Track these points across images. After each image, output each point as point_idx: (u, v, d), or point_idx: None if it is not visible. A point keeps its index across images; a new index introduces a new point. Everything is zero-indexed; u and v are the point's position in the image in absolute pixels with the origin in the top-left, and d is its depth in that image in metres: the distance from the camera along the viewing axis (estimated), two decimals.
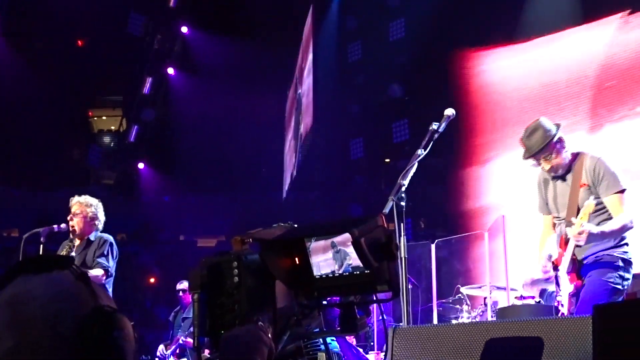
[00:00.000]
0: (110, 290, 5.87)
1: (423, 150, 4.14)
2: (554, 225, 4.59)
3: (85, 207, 5.96)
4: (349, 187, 16.70)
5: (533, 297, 6.14)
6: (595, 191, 4.31)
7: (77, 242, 5.98)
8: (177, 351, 9.45)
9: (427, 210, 13.78)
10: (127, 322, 1.25)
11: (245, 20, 17.01)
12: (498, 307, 6.92)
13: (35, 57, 17.15)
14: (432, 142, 4.17)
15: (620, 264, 4.29)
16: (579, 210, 4.25)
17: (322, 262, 1.99)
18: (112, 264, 5.93)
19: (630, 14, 8.71)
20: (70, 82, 17.75)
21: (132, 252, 16.19)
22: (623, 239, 4.34)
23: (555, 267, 4.40)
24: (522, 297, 6.33)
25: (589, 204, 4.15)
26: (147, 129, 18.47)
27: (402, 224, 3.93)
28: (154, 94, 18.18)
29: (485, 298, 7.26)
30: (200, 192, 18.43)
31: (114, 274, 5.97)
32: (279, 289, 2.06)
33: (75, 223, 5.92)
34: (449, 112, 4.24)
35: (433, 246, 8.10)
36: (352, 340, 6.38)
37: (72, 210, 5.97)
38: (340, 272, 1.97)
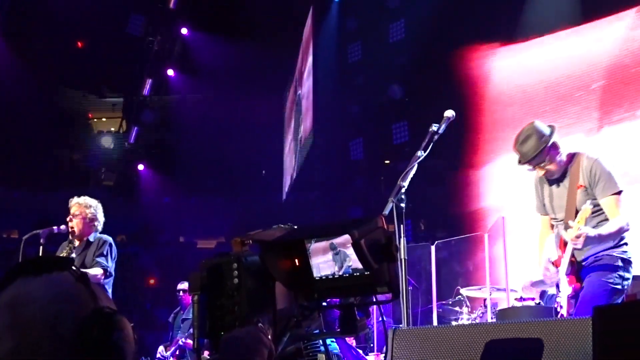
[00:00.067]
0: (109, 291, 5.87)
1: (423, 151, 4.14)
2: (552, 225, 4.58)
3: (85, 208, 5.96)
4: (349, 189, 16.70)
5: (533, 299, 6.14)
6: (591, 192, 4.30)
7: (76, 243, 5.98)
8: (177, 352, 9.45)
9: (427, 212, 13.77)
10: (126, 324, 1.25)
11: (245, 21, 17.01)
12: (498, 308, 6.92)
13: (35, 58, 17.14)
14: (432, 144, 4.17)
15: (620, 263, 4.28)
16: (577, 212, 4.24)
17: (322, 264, 1.99)
18: (111, 264, 5.93)
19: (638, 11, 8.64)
20: (70, 83, 17.77)
21: (132, 253, 16.19)
22: (622, 238, 4.32)
23: (556, 268, 4.39)
24: (522, 299, 6.33)
25: (586, 209, 4.13)
26: (147, 130, 18.47)
27: (402, 226, 3.93)
28: (153, 96, 18.19)
29: (485, 299, 7.26)
30: (200, 194, 18.43)
31: (113, 274, 5.97)
32: (278, 290, 2.06)
33: (75, 224, 5.92)
34: (449, 113, 4.24)
35: (433, 248, 8.10)
36: (351, 341, 6.38)
37: (72, 211, 5.96)
38: (340, 273, 1.97)
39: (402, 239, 3.94)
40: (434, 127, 4.19)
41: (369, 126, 15.28)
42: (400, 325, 3.92)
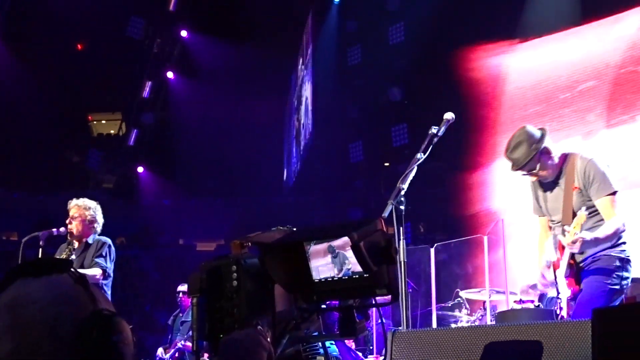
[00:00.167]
0: (108, 292, 5.88)
1: (422, 154, 4.14)
2: (551, 227, 4.58)
3: (84, 210, 5.96)
4: (349, 191, 16.71)
5: (532, 302, 6.14)
6: (586, 194, 4.29)
7: (75, 244, 5.98)
8: (176, 355, 9.45)
9: (427, 214, 13.78)
10: (125, 326, 1.25)
11: (244, 23, 17.03)
12: (497, 311, 6.91)
13: (35, 61, 17.16)
14: (431, 146, 4.17)
15: (618, 263, 4.26)
16: (574, 213, 4.24)
17: (322, 266, 1.99)
18: (110, 265, 5.93)
19: None
20: (69, 85, 17.78)
21: (132, 255, 16.19)
22: (620, 238, 4.31)
23: (554, 270, 4.39)
24: (521, 301, 6.32)
25: (581, 215, 4.12)
26: (146, 132, 18.49)
27: (401, 228, 3.92)
28: (153, 98, 18.20)
29: (484, 302, 7.25)
30: (199, 196, 18.43)
31: (112, 276, 5.98)
32: (278, 292, 2.06)
33: (74, 226, 5.92)
34: (449, 115, 4.24)
35: (432, 250, 8.08)
36: (351, 344, 6.37)
37: (71, 213, 5.97)
38: (340, 276, 1.97)
39: (401, 242, 3.94)
40: (434, 130, 4.19)
41: (368, 128, 15.30)
42: (400, 328, 3.92)
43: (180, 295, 9.69)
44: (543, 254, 4.57)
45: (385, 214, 3.90)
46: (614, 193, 4.27)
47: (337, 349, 4.55)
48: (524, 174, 4.45)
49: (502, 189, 9.37)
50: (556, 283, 4.39)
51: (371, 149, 15.16)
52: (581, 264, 4.33)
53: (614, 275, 4.23)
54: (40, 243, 6.00)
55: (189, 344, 8.64)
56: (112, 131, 22.13)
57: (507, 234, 7.31)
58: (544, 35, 9.75)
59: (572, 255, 4.29)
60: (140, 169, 18.16)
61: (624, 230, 4.29)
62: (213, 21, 17.47)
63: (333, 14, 15.36)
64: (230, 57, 16.99)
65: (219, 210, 17.83)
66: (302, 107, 16.56)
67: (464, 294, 7.63)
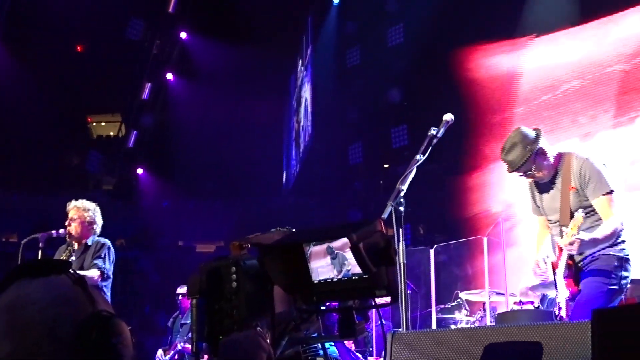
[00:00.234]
0: (108, 294, 5.87)
1: (422, 155, 4.13)
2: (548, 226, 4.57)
3: (83, 211, 5.96)
4: (348, 192, 16.70)
5: (532, 303, 6.14)
6: (583, 194, 4.28)
7: (75, 246, 5.97)
8: (176, 357, 9.43)
9: (426, 216, 13.77)
10: (124, 327, 1.25)
11: (244, 25, 17.02)
12: (497, 312, 6.91)
13: (35, 62, 17.16)
14: (430, 147, 4.16)
15: (617, 263, 4.24)
16: (571, 213, 4.23)
17: (321, 267, 1.98)
18: (109, 267, 5.92)
19: None
20: (69, 87, 17.78)
21: (131, 257, 16.18)
22: (619, 237, 4.30)
23: (554, 270, 4.38)
24: (521, 303, 6.32)
25: (578, 218, 4.11)
26: (146, 134, 18.49)
27: (400, 229, 3.92)
28: (152, 100, 18.21)
29: (484, 303, 7.25)
30: (199, 197, 18.42)
31: (111, 277, 5.97)
32: (277, 293, 2.05)
33: (73, 228, 5.92)
34: (448, 117, 4.24)
35: (432, 251, 8.08)
36: (350, 345, 6.37)
37: (70, 215, 5.96)
38: (339, 277, 1.97)
39: (401, 243, 3.94)
40: (433, 131, 4.19)
41: (368, 130, 15.29)
42: (399, 329, 3.92)
43: (180, 297, 9.68)
44: (541, 246, 4.56)
45: (385, 215, 3.90)
46: (611, 192, 4.26)
47: (336, 350, 4.54)
48: (520, 176, 4.45)
49: (502, 191, 9.37)
50: (555, 284, 4.39)
51: (371, 150, 15.16)
52: (580, 264, 4.33)
53: (613, 276, 4.22)
54: (40, 244, 6.00)
55: (188, 345, 8.63)
56: (111, 133, 22.13)
57: (507, 235, 7.31)
58: (545, 34, 9.75)
59: (571, 256, 4.29)
60: (139, 171, 18.15)
61: (622, 230, 4.28)
62: (212, 22, 17.48)
63: (332, 15, 15.36)
64: (229, 59, 16.99)
65: (219, 211, 17.81)
66: (302, 109, 16.56)
67: (463, 295, 7.63)
